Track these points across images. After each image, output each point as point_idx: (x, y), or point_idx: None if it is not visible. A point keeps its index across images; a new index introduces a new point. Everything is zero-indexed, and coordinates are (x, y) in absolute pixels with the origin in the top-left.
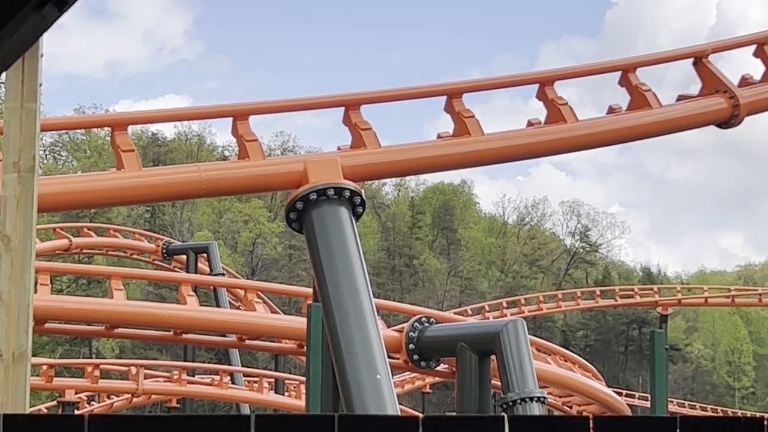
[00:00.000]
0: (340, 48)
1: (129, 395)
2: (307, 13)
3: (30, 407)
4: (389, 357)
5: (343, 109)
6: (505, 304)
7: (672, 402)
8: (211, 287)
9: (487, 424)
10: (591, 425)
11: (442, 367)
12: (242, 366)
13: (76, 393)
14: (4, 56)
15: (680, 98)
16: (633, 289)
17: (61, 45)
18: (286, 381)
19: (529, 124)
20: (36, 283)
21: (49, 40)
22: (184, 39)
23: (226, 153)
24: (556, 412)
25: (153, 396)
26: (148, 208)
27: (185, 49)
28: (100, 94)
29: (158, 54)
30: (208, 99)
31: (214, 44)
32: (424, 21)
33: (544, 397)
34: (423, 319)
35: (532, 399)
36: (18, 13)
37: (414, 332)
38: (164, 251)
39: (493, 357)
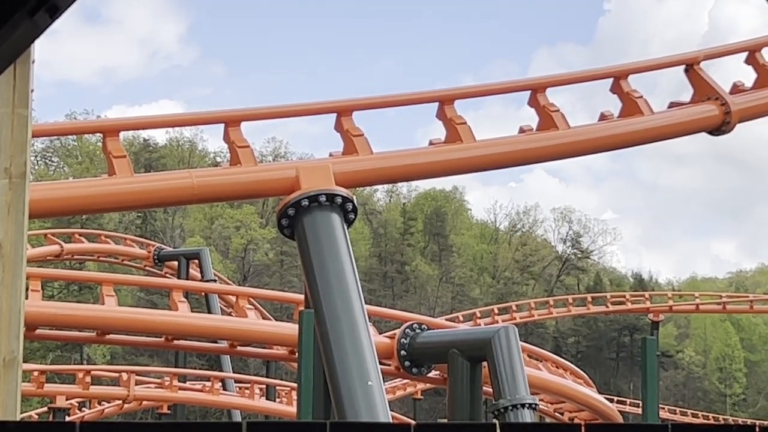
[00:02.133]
0: (333, 54)
1: (120, 401)
2: (301, 19)
3: (21, 413)
4: (381, 363)
5: (335, 115)
6: (496, 311)
7: (663, 408)
8: (203, 293)
9: (478, 431)
10: None
11: (433, 374)
12: (233, 372)
13: (67, 399)
14: None
15: (672, 105)
16: (624, 296)
17: (55, 51)
18: (277, 387)
19: (521, 130)
20: (27, 289)
21: (43, 47)
22: (178, 45)
23: (218, 159)
24: (548, 419)
25: (144, 402)
26: (139, 214)
27: (179, 55)
28: (93, 100)
29: (152, 59)
30: (201, 104)
31: (208, 50)
32: (416, 28)
33: (536, 404)
34: (415, 325)
35: (523, 405)
36: (10, 20)
37: (406, 339)
38: (155, 257)
39: (484, 363)
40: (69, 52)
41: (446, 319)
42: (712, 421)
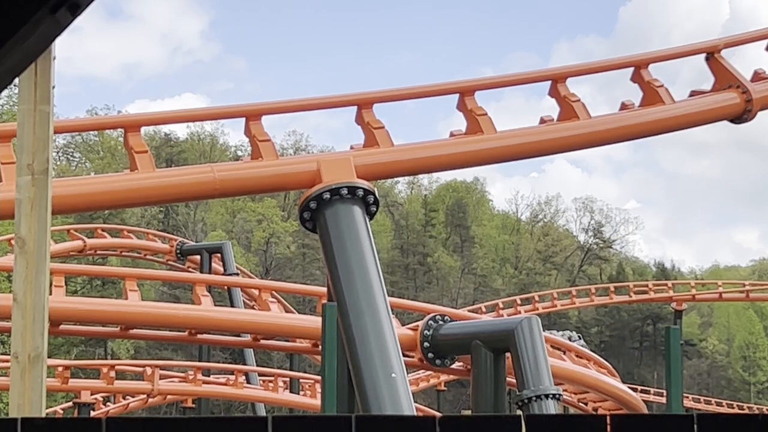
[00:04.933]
0: (354, 47)
1: (144, 396)
2: (322, 14)
3: (46, 409)
4: (404, 355)
5: (355, 108)
6: (519, 301)
7: (687, 397)
8: (226, 287)
9: (504, 423)
10: (608, 423)
11: (457, 365)
12: (257, 365)
13: (91, 394)
14: (17, 61)
15: (693, 94)
16: (647, 285)
17: (78, 47)
18: (301, 380)
19: (542, 121)
20: (51, 285)
21: (66, 43)
22: (199, 40)
23: (239, 153)
24: (572, 409)
25: (168, 396)
26: (161, 209)
27: (201, 50)
28: (116, 96)
29: (174, 55)
30: (224, 99)
31: (229, 45)
32: (437, 20)
33: (560, 394)
34: (437, 317)
35: (547, 396)
36: (31, 18)
37: (429, 330)
38: (178, 251)
39: (508, 354)
40: (92, 49)
41: (469, 311)
42: (736, 410)
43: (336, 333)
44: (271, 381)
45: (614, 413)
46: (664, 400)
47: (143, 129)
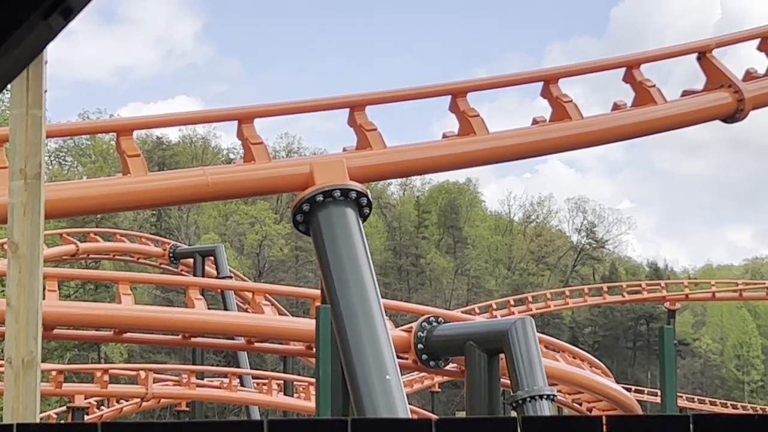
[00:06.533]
0: (348, 50)
1: (138, 399)
2: (316, 16)
3: (40, 413)
4: (398, 357)
5: (348, 110)
6: (512, 302)
7: (681, 396)
8: (219, 290)
9: (499, 425)
10: (604, 424)
11: (451, 367)
12: (251, 368)
13: (85, 398)
14: (10, 67)
15: (685, 94)
16: (640, 285)
17: (72, 51)
18: (295, 383)
19: (534, 122)
20: (44, 289)
21: (60, 47)
22: (193, 43)
23: (231, 155)
24: (566, 410)
25: (162, 400)
26: (154, 212)
27: (195, 53)
28: (110, 99)
29: (168, 58)
30: (217, 102)
31: (223, 48)
32: (431, 22)
33: (554, 395)
34: (431, 318)
35: (541, 397)
36: (24, 23)
37: (422, 332)
38: (171, 255)
39: (502, 355)
40: (86, 53)
41: (462, 312)
42: (730, 409)
43: (330, 335)
44: (265, 384)
45: (610, 414)
46: (658, 399)
47: (135, 132)
